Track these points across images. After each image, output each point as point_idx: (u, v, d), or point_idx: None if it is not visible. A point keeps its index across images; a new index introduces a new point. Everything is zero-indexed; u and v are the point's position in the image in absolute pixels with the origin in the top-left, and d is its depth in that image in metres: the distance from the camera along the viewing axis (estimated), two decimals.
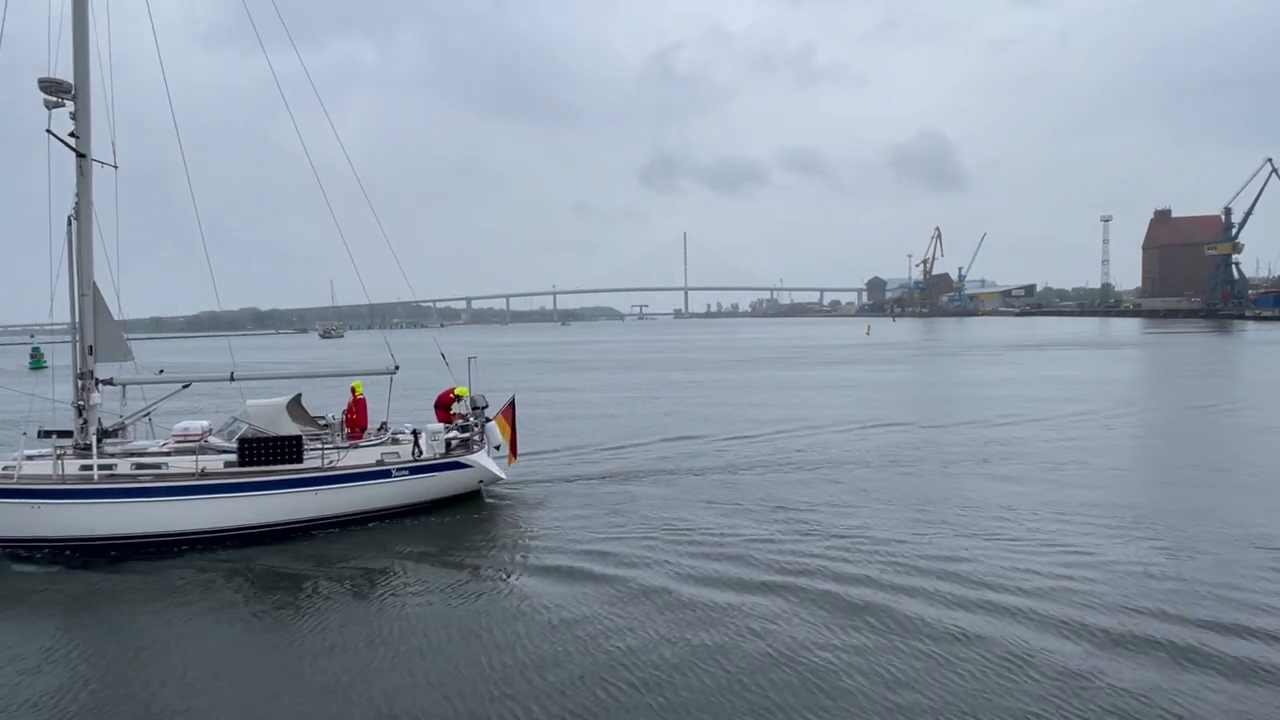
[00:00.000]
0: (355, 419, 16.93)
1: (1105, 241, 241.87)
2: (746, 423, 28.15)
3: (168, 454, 15.15)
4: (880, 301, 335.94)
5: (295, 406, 16.75)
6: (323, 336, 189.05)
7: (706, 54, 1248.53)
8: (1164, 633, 9.63)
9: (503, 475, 17.46)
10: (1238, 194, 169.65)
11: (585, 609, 10.99)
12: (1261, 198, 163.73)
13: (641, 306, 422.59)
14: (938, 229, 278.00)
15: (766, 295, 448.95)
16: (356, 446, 16.12)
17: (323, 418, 17.19)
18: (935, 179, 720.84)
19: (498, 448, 17.65)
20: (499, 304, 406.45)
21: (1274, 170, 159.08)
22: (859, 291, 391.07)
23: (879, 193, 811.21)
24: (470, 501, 17.05)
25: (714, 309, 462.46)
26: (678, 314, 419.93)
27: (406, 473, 16.01)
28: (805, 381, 45.09)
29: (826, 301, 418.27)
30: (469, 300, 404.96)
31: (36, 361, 74.97)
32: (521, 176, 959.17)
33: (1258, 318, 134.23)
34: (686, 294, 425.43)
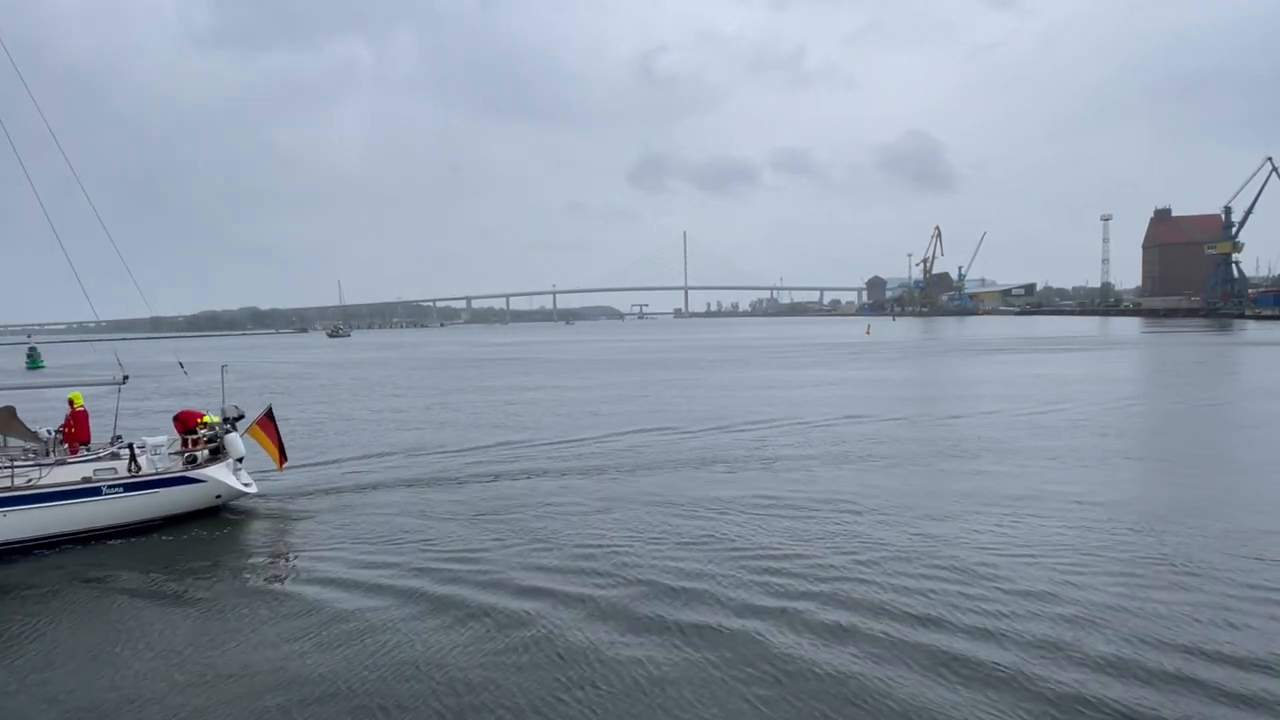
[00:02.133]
0: (75, 433, 15.60)
1: (1105, 241, 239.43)
2: (652, 420, 26.45)
3: None
4: (880, 301, 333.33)
5: (5, 420, 15.45)
6: (330, 335, 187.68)
7: (700, 56, 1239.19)
8: (1124, 628, 9.41)
9: (249, 489, 16.12)
10: (1237, 193, 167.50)
11: (281, 632, 10.10)
12: (1261, 197, 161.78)
13: (641, 306, 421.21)
14: (938, 228, 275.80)
15: (766, 295, 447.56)
16: (64, 463, 14.80)
17: (36, 432, 15.87)
18: (926, 179, 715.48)
19: (240, 460, 16.30)
20: (499, 303, 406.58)
21: (1274, 169, 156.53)
22: (859, 291, 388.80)
23: (870, 193, 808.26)
24: (204, 519, 15.69)
25: (714, 308, 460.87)
26: (678, 313, 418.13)
27: (120, 490, 14.67)
28: (777, 381, 43.40)
29: (826, 301, 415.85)
30: (469, 300, 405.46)
31: (34, 361, 74.07)
32: (518, 177, 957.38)
33: (1258, 317, 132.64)
34: (686, 293, 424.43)
